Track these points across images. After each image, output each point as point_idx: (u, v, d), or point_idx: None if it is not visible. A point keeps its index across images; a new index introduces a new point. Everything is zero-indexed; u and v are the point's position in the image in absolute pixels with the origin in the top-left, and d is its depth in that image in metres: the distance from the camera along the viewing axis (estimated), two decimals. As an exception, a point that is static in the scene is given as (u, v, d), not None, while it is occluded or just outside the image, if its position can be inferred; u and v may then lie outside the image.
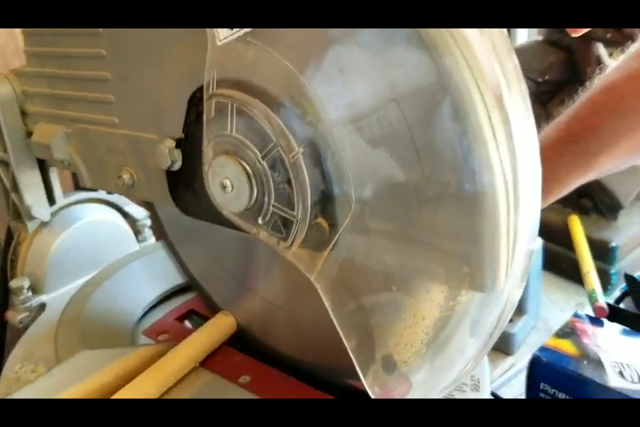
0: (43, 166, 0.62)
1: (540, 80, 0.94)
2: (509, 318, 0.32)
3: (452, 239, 0.29)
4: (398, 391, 0.34)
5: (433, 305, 0.31)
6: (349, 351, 0.34)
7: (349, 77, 0.29)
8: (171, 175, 0.42)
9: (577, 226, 0.80)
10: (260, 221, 0.35)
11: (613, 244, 0.82)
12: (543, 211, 0.91)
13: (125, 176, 0.45)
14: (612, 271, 0.80)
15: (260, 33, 0.31)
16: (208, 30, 0.33)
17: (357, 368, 0.35)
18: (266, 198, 0.34)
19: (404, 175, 0.29)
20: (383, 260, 0.32)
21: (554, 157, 0.57)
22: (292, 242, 0.34)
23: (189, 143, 0.39)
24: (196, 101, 0.37)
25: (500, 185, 0.27)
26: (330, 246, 0.33)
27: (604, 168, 0.56)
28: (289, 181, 0.33)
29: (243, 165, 0.34)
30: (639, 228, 0.87)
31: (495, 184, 0.27)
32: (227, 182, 0.35)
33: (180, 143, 0.40)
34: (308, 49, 0.30)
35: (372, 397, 0.35)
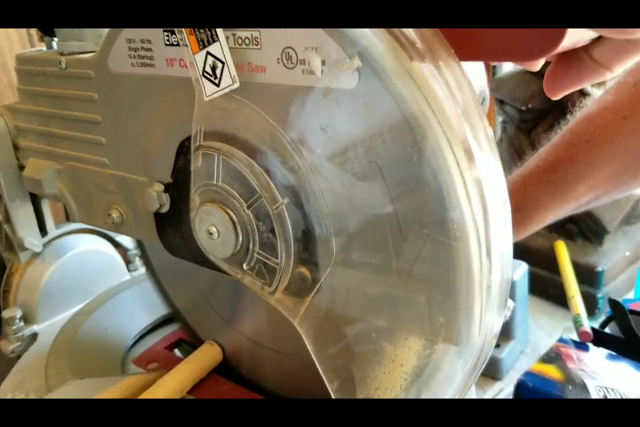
0: (35, 198, 0.64)
1: (523, 108, 0.96)
2: (483, 367, 0.33)
3: (429, 291, 0.30)
4: None
5: (411, 353, 0.32)
6: (331, 393, 0.35)
7: (329, 135, 0.30)
8: (159, 217, 0.43)
9: (563, 251, 0.81)
10: (244, 266, 0.36)
11: (599, 268, 0.83)
12: (530, 237, 0.93)
13: (114, 215, 0.46)
14: (599, 296, 0.81)
15: (244, 90, 0.33)
16: (196, 86, 0.34)
17: None
18: (250, 246, 0.35)
19: (383, 228, 0.31)
20: (363, 308, 0.33)
21: (533, 185, 0.58)
22: (276, 288, 0.35)
23: (178, 188, 0.40)
24: (184, 150, 0.39)
25: (473, 242, 0.28)
26: (312, 294, 0.34)
27: (582, 198, 0.58)
28: (273, 231, 0.34)
29: (228, 214, 0.35)
30: (625, 252, 0.88)
31: (469, 241, 0.28)
32: (213, 229, 0.36)
33: (168, 188, 0.41)
34: (291, 107, 0.31)
35: None
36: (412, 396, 0.33)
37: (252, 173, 0.34)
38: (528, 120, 0.98)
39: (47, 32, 0.51)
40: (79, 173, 0.49)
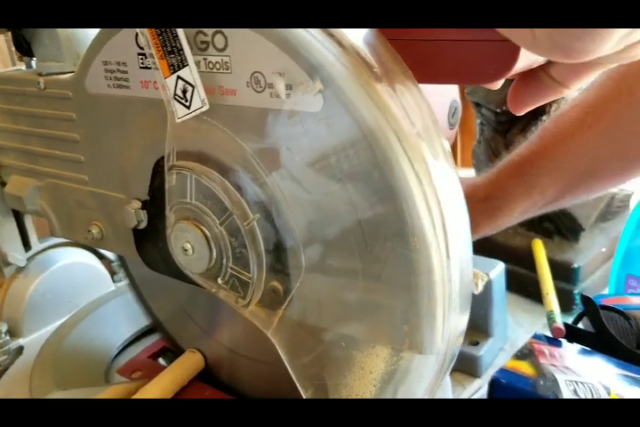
0: (17, 214, 0.65)
1: (498, 111, 0.97)
2: (451, 365, 0.35)
3: (394, 300, 0.32)
4: None
5: (379, 360, 0.34)
6: None
7: (294, 154, 0.32)
8: (137, 233, 0.44)
9: (539, 249, 0.83)
10: (219, 280, 0.38)
11: (575, 265, 0.84)
12: (509, 236, 0.94)
13: (94, 231, 0.47)
14: (576, 292, 0.83)
15: (215, 111, 0.34)
16: (168, 108, 0.36)
17: None
18: (224, 261, 0.37)
19: (350, 240, 0.32)
20: (333, 318, 0.35)
21: (504, 177, 0.61)
22: (249, 301, 0.37)
23: (154, 205, 0.42)
24: (159, 169, 0.40)
25: (433, 252, 0.30)
26: (284, 306, 0.36)
27: (546, 193, 0.59)
28: (245, 246, 0.35)
29: (202, 231, 0.37)
30: (601, 248, 0.90)
31: (429, 251, 0.30)
32: (187, 246, 0.38)
33: (145, 205, 0.42)
34: (259, 128, 0.33)
35: None
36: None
37: (223, 191, 0.35)
38: (503, 122, 0.99)
39: (25, 52, 0.52)
40: (59, 189, 0.50)
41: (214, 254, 0.37)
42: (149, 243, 0.44)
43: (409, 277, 0.30)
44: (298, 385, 0.37)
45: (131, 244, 0.45)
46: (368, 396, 0.35)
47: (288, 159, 0.32)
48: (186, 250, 0.38)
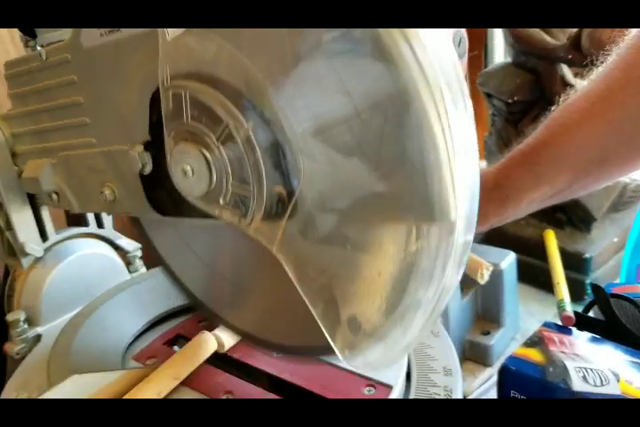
0: (34, 205, 0.66)
1: (509, 101, 0.98)
2: (464, 263, 0.34)
3: (399, 177, 0.31)
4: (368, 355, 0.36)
5: (387, 259, 0.33)
6: (316, 318, 0.37)
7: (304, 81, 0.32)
8: (145, 180, 0.45)
9: (551, 239, 0.83)
10: (221, 201, 0.38)
11: (587, 255, 0.85)
12: (521, 227, 0.94)
13: (107, 192, 0.49)
14: (587, 282, 0.83)
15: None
16: (159, 30, 0.36)
17: (326, 335, 0.37)
18: (224, 180, 0.37)
19: (354, 135, 0.31)
20: (336, 221, 0.34)
21: (512, 166, 0.61)
22: (252, 217, 0.37)
23: (156, 144, 0.42)
24: (156, 102, 0.40)
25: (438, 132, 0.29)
26: (287, 214, 0.35)
27: (555, 183, 0.60)
28: (243, 159, 0.35)
29: (200, 150, 0.37)
30: (612, 239, 0.90)
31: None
32: (187, 168, 0.38)
33: (148, 146, 0.43)
34: (266, 47, 0.32)
35: (343, 360, 0.37)
36: (390, 306, 0.34)
37: (216, 103, 0.35)
38: (515, 112, 1.00)
39: (28, 33, 0.54)
40: (71, 160, 0.52)
41: (214, 173, 0.37)
42: (157, 187, 0.44)
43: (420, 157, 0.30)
44: (308, 303, 0.36)
45: (140, 194, 0.45)
46: (378, 301, 0.34)
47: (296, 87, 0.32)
48: (186, 173, 0.38)
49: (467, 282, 0.68)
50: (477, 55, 1.43)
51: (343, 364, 0.51)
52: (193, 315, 0.62)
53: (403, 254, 0.32)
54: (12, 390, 0.55)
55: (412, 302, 0.33)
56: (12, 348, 0.65)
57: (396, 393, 0.49)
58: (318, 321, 0.37)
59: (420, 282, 0.33)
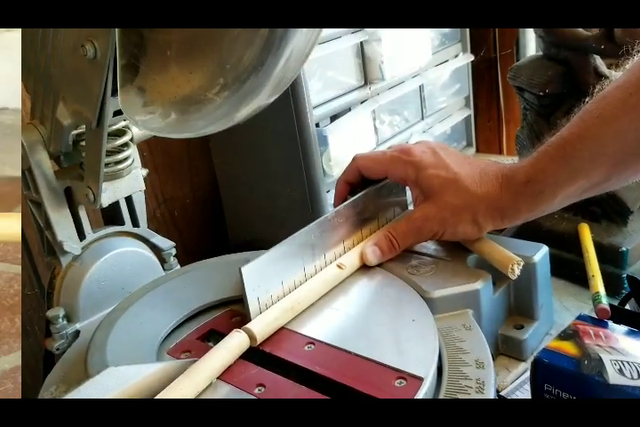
0: (72, 205, 0.68)
1: (541, 94, 0.97)
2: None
3: None
4: None
5: None
6: None
7: None
8: None
9: (585, 232, 0.82)
10: None
11: (624, 248, 0.83)
12: (556, 221, 0.93)
13: (87, 46, 0.51)
14: (624, 275, 0.82)
15: None
16: None
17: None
18: None
19: None
20: None
21: (545, 160, 0.60)
22: None
23: None
24: None
25: None
26: None
27: (591, 176, 0.59)
28: None
29: None
30: (650, 231, 0.88)
31: None
32: None
33: None
34: None
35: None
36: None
37: None
38: (547, 105, 0.98)
39: None
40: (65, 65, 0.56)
41: None
42: None
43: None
44: None
45: None
46: None
47: None
48: None
49: (499, 277, 0.67)
50: (510, 53, 1.42)
51: (374, 356, 0.51)
52: (225, 311, 0.63)
53: None
54: (52, 383, 0.57)
55: None
56: (52, 344, 0.67)
57: (427, 386, 0.49)
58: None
59: None
